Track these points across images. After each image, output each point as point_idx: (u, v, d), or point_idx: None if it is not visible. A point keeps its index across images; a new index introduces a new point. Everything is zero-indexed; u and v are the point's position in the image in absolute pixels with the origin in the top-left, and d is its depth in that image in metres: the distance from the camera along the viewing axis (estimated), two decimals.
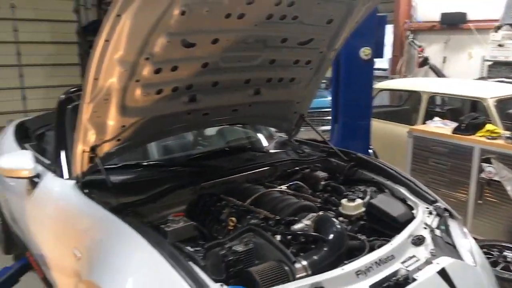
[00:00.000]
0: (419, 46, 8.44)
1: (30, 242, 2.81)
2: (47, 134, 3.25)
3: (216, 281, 1.57)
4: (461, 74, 7.79)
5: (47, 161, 2.65)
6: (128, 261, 1.66)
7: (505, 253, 3.26)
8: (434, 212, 2.24)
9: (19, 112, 9.83)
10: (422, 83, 5.57)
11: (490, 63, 7.19)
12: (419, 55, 8.40)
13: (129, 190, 2.21)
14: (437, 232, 2.11)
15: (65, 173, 2.36)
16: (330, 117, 6.07)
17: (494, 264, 3.07)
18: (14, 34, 9.73)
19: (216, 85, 2.30)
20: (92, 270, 1.77)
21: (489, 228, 3.58)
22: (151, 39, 1.77)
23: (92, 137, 2.08)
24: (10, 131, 3.60)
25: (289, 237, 1.95)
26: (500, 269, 3.07)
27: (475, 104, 5.01)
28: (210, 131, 3.43)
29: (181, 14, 1.71)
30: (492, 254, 3.22)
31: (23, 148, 3.17)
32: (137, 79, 1.93)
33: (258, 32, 2.09)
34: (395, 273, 1.78)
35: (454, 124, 3.95)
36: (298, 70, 2.55)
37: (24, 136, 3.53)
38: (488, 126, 3.70)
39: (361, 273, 1.73)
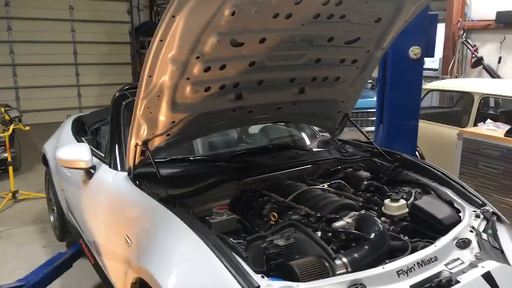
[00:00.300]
0: (473, 46, 8.10)
1: (83, 230, 3.01)
2: (101, 129, 3.45)
3: (257, 272, 1.63)
4: None
5: (101, 154, 2.82)
6: (175, 249, 1.75)
7: None
8: (482, 216, 2.18)
9: (75, 109, 10.42)
10: (474, 84, 5.36)
11: None
12: (473, 55, 8.07)
13: (176, 183, 2.31)
14: (484, 236, 2.05)
15: (119, 165, 2.52)
16: (374, 118, 6.01)
17: None
18: (72, 35, 10.33)
19: (261, 83, 2.36)
20: (141, 256, 1.88)
21: None
22: (202, 38, 1.85)
23: (144, 132, 2.19)
24: (67, 125, 3.84)
25: (329, 234, 1.97)
26: None
27: None
28: (254, 129, 3.51)
29: (231, 14, 1.77)
30: None
31: (80, 141, 3.38)
32: (188, 77, 2.02)
33: (305, 31, 2.12)
34: (437, 275, 1.76)
35: (507, 127, 3.79)
36: (344, 69, 2.56)
37: (80, 130, 3.77)
38: None
39: (402, 273, 1.72)
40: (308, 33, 2.16)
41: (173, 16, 1.70)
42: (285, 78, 2.42)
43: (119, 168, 2.51)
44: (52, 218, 4.22)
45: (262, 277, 1.60)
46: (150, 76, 1.94)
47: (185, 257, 1.73)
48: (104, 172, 2.59)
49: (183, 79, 2.03)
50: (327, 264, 1.73)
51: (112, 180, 2.45)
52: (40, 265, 3.10)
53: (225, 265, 1.59)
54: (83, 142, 3.25)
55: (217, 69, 2.07)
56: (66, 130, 3.74)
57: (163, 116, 2.17)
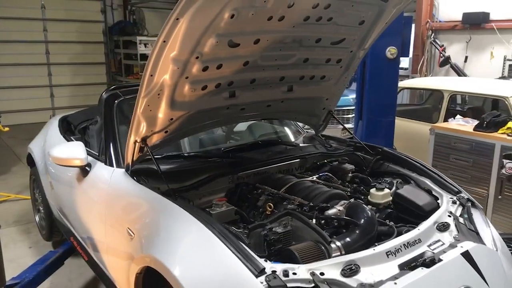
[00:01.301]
0: (441, 46, 8.50)
1: (76, 227, 3.05)
2: (90, 128, 3.49)
3: (260, 257, 1.75)
4: (483, 73, 7.84)
5: (94, 152, 2.88)
6: (182, 237, 1.85)
7: None
8: (458, 202, 2.38)
9: (48, 109, 10.23)
10: (444, 82, 5.67)
11: (511, 62, 7.22)
12: (441, 54, 8.46)
13: (173, 177, 2.40)
14: (461, 220, 2.25)
15: (114, 162, 2.59)
16: (350, 116, 6.25)
17: None
18: (44, 34, 10.12)
19: (254, 82, 2.49)
20: (147, 246, 1.97)
21: (508, 222, 3.69)
22: (202, 40, 1.95)
23: (143, 129, 2.27)
24: (54, 125, 3.85)
25: (322, 221, 2.13)
26: None
27: (496, 103, 5.10)
28: (239, 127, 3.63)
29: (231, 17, 1.89)
30: (510, 247, 3.32)
31: (69, 140, 3.41)
32: (187, 76, 2.13)
33: (295, 33, 2.26)
34: (422, 255, 1.93)
35: (476, 122, 4.07)
36: (329, 68, 2.72)
37: (67, 129, 3.78)
38: (510, 124, 3.80)
39: (390, 253, 1.88)
40: (298, 34, 2.30)
41: (177, 19, 1.80)
42: (276, 77, 2.56)
43: (115, 165, 2.57)
44: (37, 219, 4.21)
45: (265, 261, 1.72)
46: (151, 76, 2.03)
47: (192, 244, 1.83)
48: (100, 169, 2.65)
49: (182, 78, 2.13)
50: (323, 248, 1.88)
51: (110, 176, 2.51)
52: (32, 263, 3.13)
53: (231, 250, 1.71)
54: (73, 141, 3.29)
55: (214, 68, 2.19)
56: (53, 129, 3.75)
57: (162, 114, 2.27)
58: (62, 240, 3.80)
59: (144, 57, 10.00)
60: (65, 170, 2.99)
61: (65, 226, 3.34)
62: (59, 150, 2.66)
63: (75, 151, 2.63)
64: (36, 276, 2.96)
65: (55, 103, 10.60)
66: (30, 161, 4.01)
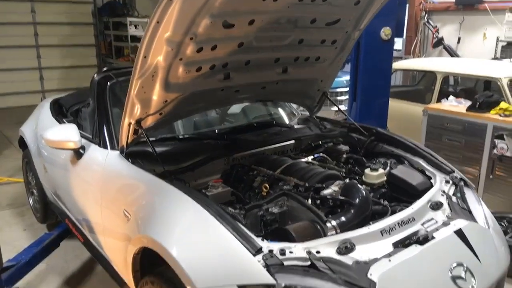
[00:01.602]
0: (434, 27, 8.48)
1: (71, 210, 3.06)
2: (82, 111, 3.45)
3: (257, 236, 1.77)
4: (475, 54, 7.85)
5: (88, 135, 2.86)
6: (180, 218, 1.86)
7: None
8: (451, 181, 2.42)
9: (38, 92, 10.10)
10: (437, 63, 5.68)
11: (504, 43, 7.23)
12: (434, 35, 8.45)
13: (169, 159, 2.39)
14: (454, 198, 2.29)
15: (108, 145, 2.58)
16: (344, 97, 6.25)
17: (503, 233, 3.25)
18: (32, 15, 9.90)
19: (248, 64, 2.47)
20: (144, 227, 1.98)
21: (499, 201, 3.76)
22: (196, 20, 1.92)
23: (138, 111, 2.26)
24: (46, 107, 3.81)
25: (318, 201, 2.16)
26: (508, 238, 3.26)
27: (488, 84, 5.13)
28: (233, 109, 3.62)
29: None
30: (501, 225, 3.40)
31: (61, 123, 3.38)
32: (181, 57, 2.10)
33: (290, 13, 2.24)
34: (415, 233, 1.97)
35: (469, 103, 4.09)
36: (324, 49, 2.71)
37: (59, 112, 3.75)
38: (502, 104, 3.84)
39: (384, 232, 1.92)
40: (293, 14, 2.28)
41: (170, 0, 1.78)
42: (270, 58, 2.54)
43: (109, 147, 2.56)
44: (31, 201, 4.20)
45: (262, 240, 1.75)
46: (145, 57, 2.01)
47: (189, 225, 1.84)
48: (94, 152, 2.64)
49: (176, 60, 2.11)
50: (319, 227, 1.90)
51: (104, 159, 2.50)
52: (28, 246, 3.14)
53: (228, 230, 1.73)
54: (65, 124, 3.26)
55: (209, 49, 2.16)
56: (45, 112, 3.71)
57: (156, 96, 2.25)
58: (56, 223, 3.81)
59: (135, 38, 9.85)
60: (59, 152, 2.97)
61: (59, 208, 3.35)
62: (53, 133, 2.64)
63: (68, 134, 2.61)
64: (32, 258, 2.97)
65: (45, 86, 10.45)
66: (22, 144, 3.98)
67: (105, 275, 2.80)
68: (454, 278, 1.80)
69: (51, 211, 3.78)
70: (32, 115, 4.06)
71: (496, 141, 3.70)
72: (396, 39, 7.24)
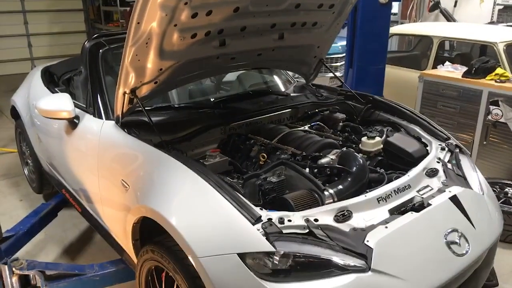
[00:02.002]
0: None
1: (67, 180, 3.05)
2: (74, 79, 3.39)
3: (255, 205, 1.78)
4: (472, 18, 7.73)
5: (81, 104, 2.81)
6: (178, 188, 1.87)
7: (506, 190, 3.51)
8: (446, 148, 2.44)
9: (26, 60, 9.90)
10: (433, 28, 5.59)
11: (501, 7, 7.12)
12: None
13: (165, 129, 2.37)
14: (449, 165, 2.31)
15: (103, 115, 2.54)
16: (339, 64, 6.17)
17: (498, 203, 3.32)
18: None
19: (244, 30, 2.41)
20: (143, 197, 1.98)
21: (492, 167, 3.81)
22: None
23: (132, 80, 2.21)
24: (37, 76, 3.72)
25: (315, 170, 2.17)
26: (501, 203, 3.32)
27: (484, 49, 5.08)
28: (228, 77, 3.57)
29: None
30: (494, 190, 3.46)
31: (53, 92, 3.31)
32: (175, 23, 2.04)
33: None
34: (411, 200, 2.01)
35: (465, 69, 4.07)
36: (321, 14, 2.64)
37: (50, 81, 3.67)
38: (498, 70, 3.82)
39: (381, 199, 1.94)
40: None
41: None
42: (267, 24, 2.48)
43: (104, 117, 2.53)
44: (26, 172, 4.19)
45: (261, 209, 1.76)
46: (138, 23, 1.95)
47: (188, 194, 1.84)
48: (89, 122, 2.60)
49: (171, 26, 2.05)
50: (316, 195, 1.92)
51: (100, 129, 2.47)
52: (26, 216, 3.15)
53: (227, 200, 1.74)
54: (57, 93, 3.20)
55: (204, 15, 2.10)
56: (37, 81, 3.63)
57: (151, 64, 2.20)
58: (53, 193, 3.81)
59: (124, 3, 9.55)
60: (53, 122, 2.93)
61: (55, 178, 3.34)
62: (46, 103, 2.59)
63: (62, 103, 2.57)
64: (30, 228, 2.99)
65: (34, 53, 10.22)
66: (15, 114, 3.92)
67: (104, 244, 2.83)
68: (449, 243, 1.84)
69: (47, 181, 3.78)
70: (23, 84, 3.98)
71: (491, 107, 3.71)
72: (392, 3, 7.11)
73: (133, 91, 2.27)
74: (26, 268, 2.37)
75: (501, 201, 3.37)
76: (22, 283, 2.41)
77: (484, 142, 3.85)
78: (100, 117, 2.54)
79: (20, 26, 9.88)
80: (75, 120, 2.64)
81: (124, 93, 2.25)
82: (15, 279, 2.38)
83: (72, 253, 3.26)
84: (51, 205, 3.34)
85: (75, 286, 2.43)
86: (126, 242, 2.28)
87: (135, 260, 2.23)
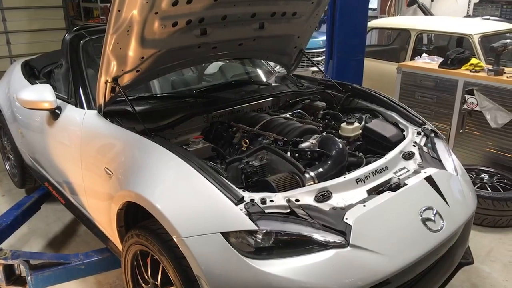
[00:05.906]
0: None
1: (50, 172, 3.04)
2: (55, 72, 3.37)
3: (238, 188, 1.83)
4: (449, 13, 7.91)
5: (63, 96, 2.81)
6: (163, 172, 1.89)
7: (482, 176, 3.64)
8: (422, 133, 2.52)
9: (5, 57, 9.70)
10: (411, 21, 5.72)
11: (476, 1, 7.31)
12: None
13: (148, 118, 2.39)
14: (425, 149, 2.39)
15: (85, 104, 2.55)
16: (320, 58, 6.26)
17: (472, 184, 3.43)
18: None
19: (225, 19, 2.44)
20: (127, 182, 2.00)
21: (469, 155, 3.93)
22: None
23: (114, 68, 2.23)
24: (17, 69, 3.69)
25: (296, 154, 2.22)
26: (477, 188, 3.44)
27: (461, 41, 5.22)
28: (210, 69, 3.60)
29: None
30: (471, 176, 3.57)
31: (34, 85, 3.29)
32: (156, 11, 2.07)
33: None
34: (388, 181, 2.08)
35: (441, 60, 4.18)
36: (301, 4, 2.70)
37: (31, 74, 3.64)
38: (473, 60, 3.94)
39: (360, 180, 2.01)
40: None
41: None
42: (247, 13, 2.52)
43: (85, 107, 2.54)
44: (8, 167, 4.15)
45: (244, 191, 1.81)
46: (119, 11, 1.97)
47: (172, 178, 1.87)
48: (71, 112, 2.61)
49: (152, 14, 2.08)
50: (298, 178, 1.97)
51: (82, 119, 2.48)
52: (9, 209, 3.13)
53: (211, 182, 1.77)
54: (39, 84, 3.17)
55: (184, 3, 2.13)
56: (17, 74, 3.60)
57: (132, 52, 2.22)
58: (35, 187, 3.79)
59: None
60: (35, 115, 2.93)
61: (38, 172, 3.33)
62: (27, 93, 2.59)
63: (43, 94, 2.57)
64: (13, 221, 2.98)
65: (13, 51, 10.02)
66: None
67: (89, 235, 2.85)
68: (424, 220, 1.92)
69: (29, 176, 3.76)
70: (3, 78, 3.93)
71: (466, 96, 3.82)
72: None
73: (115, 79, 2.28)
74: (10, 258, 2.37)
75: (476, 186, 3.49)
76: (7, 273, 2.41)
77: (461, 131, 3.97)
78: (82, 107, 2.55)
79: None
80: (56, 110, 2.64)
81: (106, 81, 2.27)
82: None
83: (56, 246, 3.26)
84: (34, 197, 3.33)
85: (60, 275, 2.44)
86: (110, 230, 2.30)
87: (120, 247, 2.25)
